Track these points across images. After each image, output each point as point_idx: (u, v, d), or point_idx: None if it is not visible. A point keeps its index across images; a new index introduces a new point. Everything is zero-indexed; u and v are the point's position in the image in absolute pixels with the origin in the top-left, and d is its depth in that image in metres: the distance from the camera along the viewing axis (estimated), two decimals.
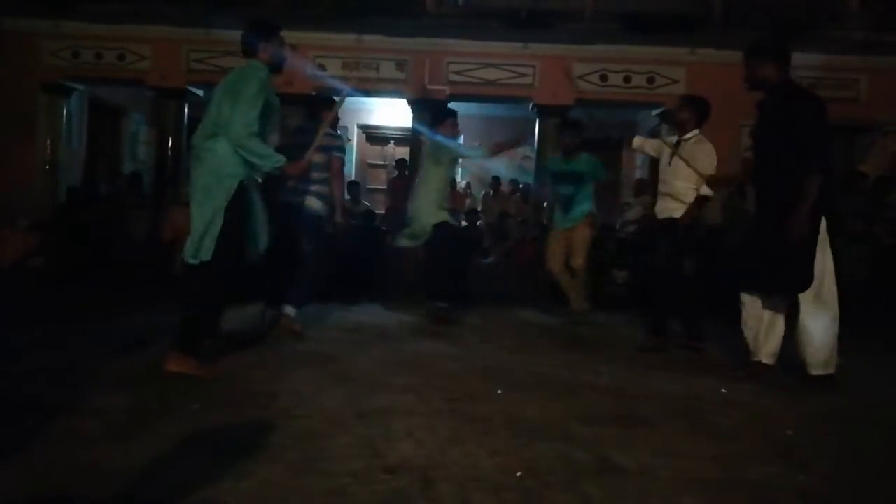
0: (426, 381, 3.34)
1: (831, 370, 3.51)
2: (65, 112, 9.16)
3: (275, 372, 3.43)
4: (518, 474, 2.18)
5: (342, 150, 4.77)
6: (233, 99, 3.25)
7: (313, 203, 4.48)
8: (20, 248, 7.30)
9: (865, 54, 8.41)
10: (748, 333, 3.75)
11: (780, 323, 3.68)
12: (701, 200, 4.34)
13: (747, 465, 2.36)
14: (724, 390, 3.41)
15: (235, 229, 3.27)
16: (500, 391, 3.23)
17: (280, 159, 3.37)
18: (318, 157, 4.18)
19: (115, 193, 9.30)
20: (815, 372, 3.51)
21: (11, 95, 8.79)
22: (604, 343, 4.67)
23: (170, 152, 9.08)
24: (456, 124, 5.46)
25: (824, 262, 3.44)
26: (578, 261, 5.34)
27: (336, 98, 4.55)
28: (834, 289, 3.46)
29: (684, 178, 4.32)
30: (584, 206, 5.39)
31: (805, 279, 3.41)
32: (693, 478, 2.22)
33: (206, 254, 3.21)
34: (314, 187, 4.46)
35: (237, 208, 3.26)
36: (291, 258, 4.43)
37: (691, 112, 4.44)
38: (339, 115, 4.76)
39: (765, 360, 3.70)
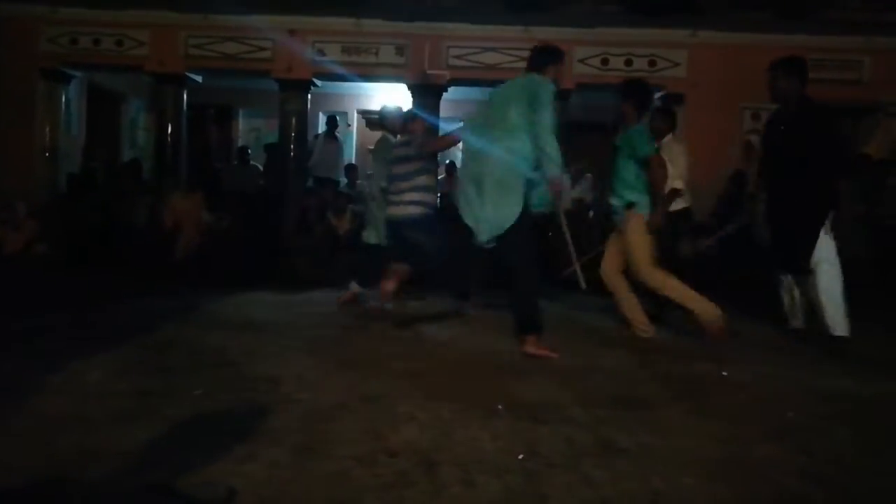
0: (428, 366, 3.36)
1: (846, 333, 3.92)
2: (63, 98, 9.11)
3: (278, 356, 3.45)
4: (520, 456, 2.19)
5: None
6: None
7: (410, 210, 4.80)
8: (23, 238, 7.33)
9: (868, 35, 8.34)
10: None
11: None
12: (672, 193, 4.72)
13: (748, 446, 2.37)
14: (724, 373, 3.42)
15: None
16: (501, 374, 3.24)
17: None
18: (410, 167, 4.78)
19: (114, 180, 9.28)
20: (835, 333, 3.92)
21: (10, 82, 8.74)
22: (604, 327, 4.67)
23: (169, 139, 9.04)
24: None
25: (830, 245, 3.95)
26: None
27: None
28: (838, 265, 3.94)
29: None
30: None
31: (808, 262, 3.93)
32: (693, 458, 2.23)
33: None
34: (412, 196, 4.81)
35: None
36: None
37: (665, 121, 5.06)
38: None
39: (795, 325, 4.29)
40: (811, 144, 3.93)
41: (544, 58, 3.89)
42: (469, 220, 3.79)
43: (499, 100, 3.81)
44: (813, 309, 4.09)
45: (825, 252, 3.94)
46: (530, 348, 3.66)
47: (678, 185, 4.81)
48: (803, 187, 3.97)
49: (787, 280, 4.28)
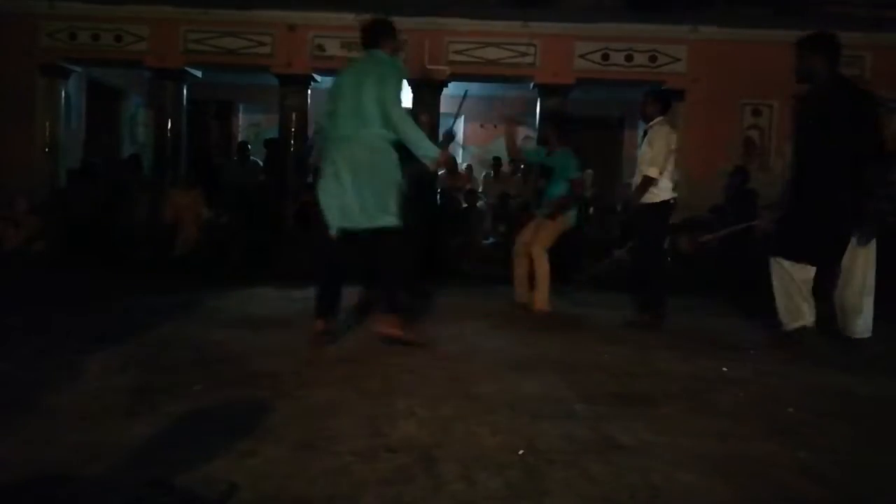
0: (427, 361, 3.35)
1: (867, 334, 3.90)
2: (63, 94, 9.09)
3: (277, 352, 3.44)
4: (520, 452, 2.19)
5: None
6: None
7: None
8: (23, 234, 7.32)
9: (870, 31, 8.31)
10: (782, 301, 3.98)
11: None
12: (644, 181, 4.52)
13: (747, 442, 2.37)
14: (724, 369, 3.42)
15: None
16: (500, 370, 3.24)
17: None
18: None
19: (114, 176, 9.27)
20: (854, 335, 3.91)
21: (9, 77, 8.72)
22: (605, 323, 4.68)
23: (169, 134, 9.02)
24: None
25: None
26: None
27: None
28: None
29: (646, 162, 4.63)
30: None
31: (841, 254, 3.85)
32: (693, 454, 2.23)
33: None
34: None
35: None
36: None
37: (655, 105, 4.78)
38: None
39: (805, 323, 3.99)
40: (846, 126, 3.65)
41: (376, 32, 3.70)
42: (333, 212, 3.57)
43: (348, 87, 3.58)
44: (826, 306, 4.01)
45: (872, 254, 3.86)
46: (386, 328, 3.65)
47: (653, 172, 4.46)
48: (837, 174, 3.72)
49: (782, 269, 3.92)
